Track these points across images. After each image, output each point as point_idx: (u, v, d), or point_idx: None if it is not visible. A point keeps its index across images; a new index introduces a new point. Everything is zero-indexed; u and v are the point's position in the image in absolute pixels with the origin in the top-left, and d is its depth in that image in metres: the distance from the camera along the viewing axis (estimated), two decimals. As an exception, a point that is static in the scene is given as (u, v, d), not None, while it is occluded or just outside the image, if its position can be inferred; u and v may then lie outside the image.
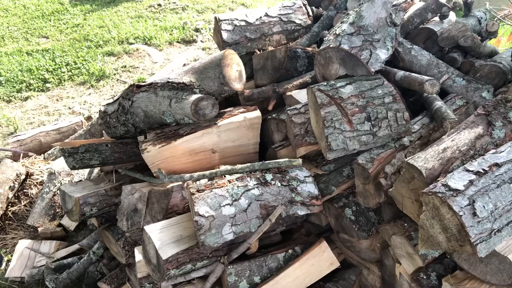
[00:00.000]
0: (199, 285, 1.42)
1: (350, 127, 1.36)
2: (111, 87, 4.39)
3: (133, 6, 6.46)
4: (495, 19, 3.31)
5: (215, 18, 2.09)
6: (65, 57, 4.82)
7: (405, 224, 1.37)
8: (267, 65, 1.96)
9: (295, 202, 1.46)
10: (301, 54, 2.01)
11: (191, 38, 5.36)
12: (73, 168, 1.86)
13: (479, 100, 1.57)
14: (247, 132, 1.75)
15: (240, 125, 1.71)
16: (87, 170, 2.60)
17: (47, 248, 2.43)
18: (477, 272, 1.17)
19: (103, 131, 2.29)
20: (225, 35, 2.03)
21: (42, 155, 3.45)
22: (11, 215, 2.76)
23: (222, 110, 1.75)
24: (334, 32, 1.60)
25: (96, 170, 2.47)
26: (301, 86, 1.89)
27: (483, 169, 1.07)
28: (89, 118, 3.86)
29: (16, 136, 3.44)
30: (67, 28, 5.58)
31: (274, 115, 1.84)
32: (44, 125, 3.80)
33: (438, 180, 1.09)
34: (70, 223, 2.59)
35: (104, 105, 2.00)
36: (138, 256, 1.55)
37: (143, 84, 1.80)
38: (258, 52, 2.03)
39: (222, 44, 2.05)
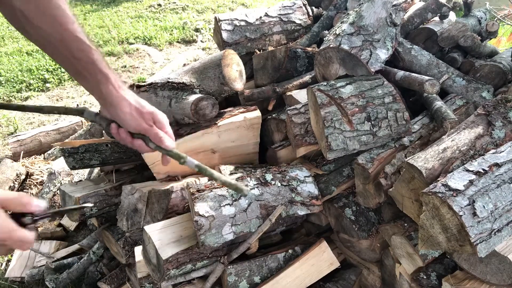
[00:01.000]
0: (199, 285, 1.42)
1: (350, 127, 1.36)
2: (111, 87, 4.38)
3: (133, 6, 6.46)
4: (495, 19, 3.31)
5: (215, 18, 2.09)
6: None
7: (405, 224, 1.37)
8: (267, 65, 1.96)
9: (295, 202, 1.46)
10: (301, 54, 2.02)
11: (191, 38, 5.37)
12: (73, 168, 1.86)
13: (479, 100, 1.57)
14: (247, 132, 1.75)
15: (240, 125, 1.71)
16: (87, 170, 2.60)
17: (47, 248, 2.43)
18: (477, 272, 1.17)
19: (103, 131, 2.29)
20: (225, 35, 2.03)
21: (42, 155, 3.45)
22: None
23: (222, 110, 1.75)
24: (334, 32, 1.60)
25: (96, 170, 2.47)
26: (301, 86, 1.89)
27: (483, 169, 1.07)
28: (89, 118, 3.85)
29: (16, 136, 3.44)
30: (67, 28, 5.57)
31: (274, 115, 1.84)
32: (44, 125, 3.80)
33: (438, 180, 1.09)
34: (70, 223, 2.59)
35: (104, 105, 2.00)
36: (138, 256, 1.54)
37: (143, 84, 1.80)
38: (258, 52, 2.03)
39: (222, 44, 2.05)
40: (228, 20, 2.07)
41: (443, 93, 1.66)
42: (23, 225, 0.71)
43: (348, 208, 1.53)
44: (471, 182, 1.04)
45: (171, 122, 1.74)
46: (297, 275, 1.44)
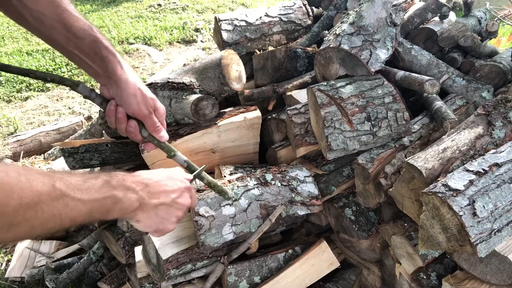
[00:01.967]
0: (199, 285, 1.42)
1: (350, 127, 1.36)
2: (111, 87, 4.38)
3: (133, 6, 6.46)
4: (495, 19, 3.31)
5: (215, 18, 2.09)
6: (65, 57, 4.82)
7: (405, 224, 1.37)
8: (267, 65, 1.96)
9: (295, 202, 1.46)
10: (301, 54, 2.01)
11: (191, 38, 5.37)
12: (73, 168, 1.86)
13: (479, 100, 1.57)
14: (247, 132, 1.75)
15: (240, 125, 1.71)
16: (87, 170, 2.60)
17: (47, 248, 2.43)
18: (477, 272, 1.17)
19: (103, 131, 2.29)
20: (225, 35, 2.03)
21: (42, 155, 3.45)
22: (11, 215, 2.76)
23: (222, 110, 1.75)
24: (334, 32, 1.60)
25: (96, 170, 2.47)
26: (301, 86, 1.89)
27: (483, 169, 1.07)
28: (89, 118, 3.86)
29: (16, 136, 3.44)
30: (67, 28, 5.58)
31: (274, 115, 1.84)
32: (44, 125, 3.80)
33: (438, 180, 1.09)
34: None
35: (104, 105, 2.00)
36: (138, 256, 1.55)
37: (143, 84, 1.80)
38: (258, 52, 2.03)
39: (222, 44, 2.05)
40: (228, 20, 2.06)
41: (443, 93, 1.66)
42: None
43: (348, 208, 1.53)
44: (471, 182, 1.04)
45: (171, 122, 1.74)
46: (297, 275, 1.44)
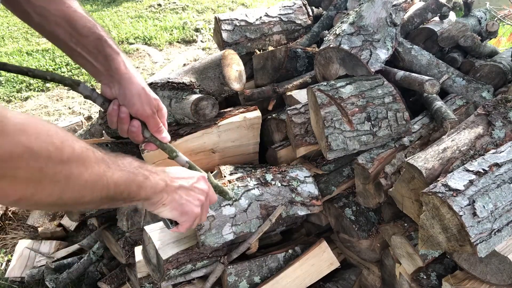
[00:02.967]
0: (199, 285, 1.42)
1: (350, 127, 1.36)
2: (111, 87, 4.39)
3: (133, 6, 6.46)
4: (495, 19, 3.31)
5: (215, 18, 2.09)
6: (65, 57, 4.82)
7: (405, 224, 1.37)
8: (267, 65, 1.96)
9: (295, 202, 1.46)
10: (301, 54, 2.02)
11: (191, 38, 5.36)
12: (73, 168, 1.86)
13: (479, 100, 1.57)
14: (247, 132, 1.75)
15: (240, 125, 1.71)
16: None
17: (47, 248, 2.43)
18: (477, 272, 1.17)
19: (103, 131, 2.29)
20: (225, 35, 2.03)
21: (42, 155, 3.44)
22: (11, 215, 2.76)
23: (222, 110, 1.75)
24: (334, 32, 1.60)
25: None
26: (301, 86, 1.89)
27: (483, 169, 1.07)
28: (89, 118, 3.86)
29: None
30: (67, 28, 5.57)
31: (274, 115, 1.84)
32: (44, 125, 3.79)
33: (438, 180, 1.09)
34: (70, 223, 2.59)
35: (104, 105, 2.00)
36: (138, 256, 1.54)
37: (143, 84, 1.80)
38: (258, 52, 2.03)
39: (222, 44, 2.05)
40: (228, 20, 2.07)
41: (443, 93, 1.66)
42: None
43: (348, 208, 1.53)
44: (471, 182, 1.04)
45: (171, 122, 1.74)
46: (297, 275, 1.44)
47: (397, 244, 1.35)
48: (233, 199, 1.37)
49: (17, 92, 4.31)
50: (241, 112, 1.73)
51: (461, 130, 1.25)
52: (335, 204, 1.55)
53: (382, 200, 1.38)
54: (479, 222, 0.99)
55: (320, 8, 2.36)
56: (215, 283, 1.40)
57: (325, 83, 1.48)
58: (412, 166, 1.16)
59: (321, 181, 1.57)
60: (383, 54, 1.52)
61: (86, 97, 0.86)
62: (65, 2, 0.79)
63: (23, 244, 2.46)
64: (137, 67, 4.76)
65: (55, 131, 0.52)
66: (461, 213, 0.98)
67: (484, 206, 1.00)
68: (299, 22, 2.20)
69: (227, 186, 1.42)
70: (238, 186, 1.42)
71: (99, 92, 0.88)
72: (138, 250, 1.57)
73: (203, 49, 5.14)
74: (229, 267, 1.38)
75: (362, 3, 1.63)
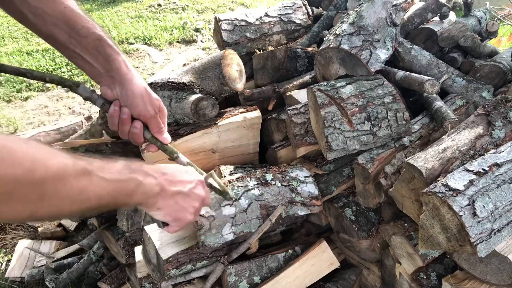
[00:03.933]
0: (199, 285, 1.42)
1: (350, 127, 1.36)
2: (111, 87, 4.38)
3: (133, 6, 6.46)
4: (495, 19, 3.31)
5: (215, 18, 2.09)
6: (65, 57, 4.82)
7: (405, 224, 1.37)
8: (267, 65, 1.96)
9: (295, 202, 1.46)
10: (301, 54, 2.01)
11: (191, 38, 5.36)
12: (73, 168, 1.86)
13: (479, 100, 1.57)
14: (247, 132, 1.75)
15: (240, 125, 1.71)
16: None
17: (47, 248, 2.43)
18: (477, 272, 1.17)
19: (103, 131, 2.29)
20: (225, 35, 2.03)
21: (42, 155, 3.44)
22: (11, 215, 2.76)
23: (222, 110, 1.75)
24: (334, 32, 1.60)
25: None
26: (301, 86, 1.89)
27: (483, 169, 1.07)
28: (89, 118, 3.86)
29: (16, 136, 3.44)
30: (67, 28, 5.57)
31: (274, 115, 1.84)
32: (44, 125, 3.80)
33: (438, 180, 1.09)
34: (70, 223, 2.59)
35: (104, 105, 2.00)
36: (138, 256, 1.55)
37: (143, 84, 1.80)
38: (258, 52, 2.03)
39: (222, 44, 2.05)
40: (228, 20, 2.06)
41: (443, 93, 1.66)
42: None
43: (348, 208, 1.53)
44: (471, 182, 1.04)
45: (171, 122, 1.74)
46: (297, 275, 1.44)
47: (397, 244, 1.35)
48: (233, 199, 1.37)
49: (17, 92, 4.31)
50: (241, 112, 1.73)
51: (461, 130, 1.25)
52: (335, 204, 1.55)
53: (382, 200, 1.38)
54: (479, 222, 0.99)
55: (320, 8, 2.36)
56: (215, 283, 1.40)
57: (325, 83, 1.48)
58: (412, 166, 1.16)
59: (321, 181, 1.57)
60: (383, 54, 1.52)
61: (86, 98, 0.84)
62: (62, 2, 0.77)
63: (23, 244, 2.46)
64: (137, 67, 4.76)
65: (24, 151, 0.50)
66: (461, 213, 0.98)
67: (484, 206, 1.00)
68: (299, 22, 2.20)
69: (227, 186, 1.42)
70: (238, 186, 1.42)
71: (99, 94, 0.87)
72: (138, 250, 1.57)
73: (203, 49, 5.14)
74: (229, 267, 1.38)
75: (362, 3, 1.63)
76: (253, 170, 1.63)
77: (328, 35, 1.66)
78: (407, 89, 1.55)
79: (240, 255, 1.41)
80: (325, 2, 2.39)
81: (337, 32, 1.56)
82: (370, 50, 1.49)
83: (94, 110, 4.00)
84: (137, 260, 1.54)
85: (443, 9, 1.93)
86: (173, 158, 0.93)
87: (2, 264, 2.45)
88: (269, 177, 1.49)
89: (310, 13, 2.25)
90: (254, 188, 1.43)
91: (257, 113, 1.74)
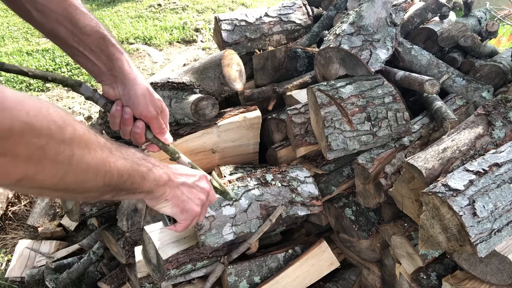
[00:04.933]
0: (199, 285, 1.42)
1: (350, 127, 1.36)
2: (111, 87, 4.38)
3: (133, 6, 6.46)
4: (495, 19, 3.31)
5: (215, 18, 2.09)
6: (65, 57, 4.82)
7: (405, 224, 1.37)
8: (267, 65, 1.96)
9: (295, 202, 1.46)
10: (301, 54, 2.01)
11: (191, 38, 5.36)
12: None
13: (479, 100, 1.57)
14: (247, 132, 1.75)
15: (240, 125, 1.71)
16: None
17: (47, 248, 2.43)
18: (477, 272, 1.17)
19: (103, 131, 2.29)
20: (225, 35, 2.03)
21: (42, 155, 3.44)
22: (11, 215, 2.76)
23: (222, 110, 1.75)
24: (334, 32, 1.60)
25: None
26: (301, 86, 1.89)
27: (483, 169, 1.07)
28: (89, 118, 3.86)
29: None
30: (67, 28, 5.57)
31: (274, 115, 1.84)
32: (44, 125, 3.79)
33: (438, 180, 1.09)
34: (70, 223, 2.59)
35: (104, 105, 2.00)
36: (138, 256, 1.54)
37: (143, 84, 1.80)
38: (258, 52, 2.03)
39: (222, 44, 2.05)
40: (228, 20, 2.06)
41: (443, 93, 1.66)
42: None
43: (348, 208, 1.53)
44: (471, 182, 1.04)
45: (171, 122, 1.74)
46: (297, 275, 1.44)
47: (397, 244, 1.35)
48: (233, 199, 1.37)
49: (17, 92, 4.31)
50: (241, 112, 1.73)
51: (461, 130, 1.25)
52: (335, 204, 1.55)
53: (382, 200, 1.38)
54: (479, 222, 0.99)
55: (320, 8, 2.36)
56: (215, 283, 1.40)
57: (325, 83, 1.48)
58: (412, 166, 1.16)
59: (321, 181, 1.57)
60: (383, 54, 1.52)
61: (87, 98, 0.84)
62: None
63: (23, 244, 2.46)
64: (137, 67, 4.76)
65: (55, 110, 0.50)
66: (461, 213, 0.98)
67: (484, 206, 1.00)
68: (299, 22, 2.20)
69: (227, 186, 1.42)
70: (238, 186, 1.42)
71: (101, 93, 0.87)
72: (138, 250, 1.57)
73: (203, 49, 5.14)
74: (229, 267, 1.38)
75: (362, 3, 1.63)
76: (253, 170, 1.63)
77: (328, 35, 1.66)
78: (407, 89, 1.55)
79: (240, 255, 1.41)
80: (325, 2, 2.39)
81: (337, 32, 1.56)
82: (370, 50, 1.50)
83: (94, 110, 4.00)
84: (137, 260, 1.54)
85: (443, 9, 1.93)
86: (174, 158, 0.93)
87: (2, 264, 2.46)
88: (269, 177, 1.49)
89: (310, 13, 2.25)
90: (254, 188, 1.43)
91: (257, 113, 1.74)
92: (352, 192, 1.59)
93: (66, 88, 4.42)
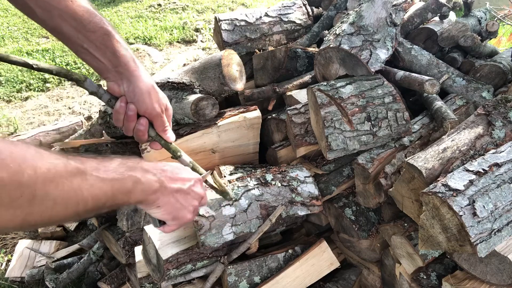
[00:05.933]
0: (199, 285, 1.42)
1: (350, 127, 1.36)
2: (111, 87, 4.38)
3: (133, 6, 6.46)
4: (495, 19, 3.31)
5: (215, 18, 2.09)
6: (65, 57, 4.82)
7: (405, 224, 1.37)
8: (267, 65, 1.96)
9: (295, 202, 1.46)
10: (301, 54, 2.01)
11: (191, 38, 5.36)
12: (73, 168, 1.86)
13: (479, 100, 1.57)
14: (247, 132, 1.75)
15: (240, 125, 1.71)
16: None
17: (47, 248, 2.43)
18: (477, 272, 1.17)
19: (103, 131, 2.29)
20: (225, 35, 2.03)
21: (42, 155, 3.44)
22: (11, 215, 2.76)
23: (222, 110, 1.75)
24: (334, 32, 1.60)
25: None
26: (301, 86, 1.89)
27: (483, 169, 1.07)
28: (89, 118, 3.86)
29: (16, 136, 3.44)
30: (67, 28, 5.57)
31: (274, 115, 1.84)
32: (44, 125, 3.80)
33: (438, 180, 1.09)
34: (70, 223, 2.59)
35: (104, 105, 2.00)
36: (138, 256, 1.55)
37: (143, 84, 1.80)
38: (258, 52, 2.03)
39: (222, 44, 2.05)
40: (228, 20, 2.06)
41: (443, 93, 1.66)
42: None
43: (348, 208, 1.53)
44: (471, 182, 1.04)
45: (171, 122, 1.74)
46: (297, 275, 1.44)
47: (397, 244, 1.35)
48: (233, 199, 1.37)
49: (17, 92, 4.31)
50: (241, 112, 1.73)
51: (461, 130, 1.25)
52: (335, 204, 1.55)
53: (382, 200, 1.38)
54: (479, 222, 0.99)
55: (320, 8, 2.36)
56: (215, 283, 1.40)
57: (325, 83, 1.48)
58: (412, 166, 1.16)
59: (321, 181, 1.57)
60: (383, 54, 1.52)
61: (91, 93, 0.83)
62: None
63: (23, 244, 2.46)
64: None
65: (10, 153, 0.47)
66: (461, 213, 0.98)
67: (484, 206, 1.00)
68: (299, 22, 2.20)
69: (227, 186, 1.42)
70: (238, 186, 1.42)
71: (105, 89, 0.86)
72: (138, 250, 1.57)
73: (203, 49, 5.14)
74: (229, 267, 1.38)
75: (362, 3, 1.63)
76: (253, 170, 1.63)
77: (328, 35, 1.66)
78: (407, 89, 1.55)
79: (240, 255, 1.41)
80: (325, 2, 2.39)
81: (337, 32, 1.56)
82: (370, 50, 1.49)
83: (94, 110, 4.00)
84: (137, 260, 1.54)
85: (443, 9, 1.93)
86: (176, 157, 0.93)
87: (2, 264, 2.46)
88: (269, 177, 1.49)
89: (310, 13, 2.25)
90: (254, 188, 1.43)
91: (257, 113, 1.74)
92: (352, 192, 1.59)
93: (66, 88, 4.43)
